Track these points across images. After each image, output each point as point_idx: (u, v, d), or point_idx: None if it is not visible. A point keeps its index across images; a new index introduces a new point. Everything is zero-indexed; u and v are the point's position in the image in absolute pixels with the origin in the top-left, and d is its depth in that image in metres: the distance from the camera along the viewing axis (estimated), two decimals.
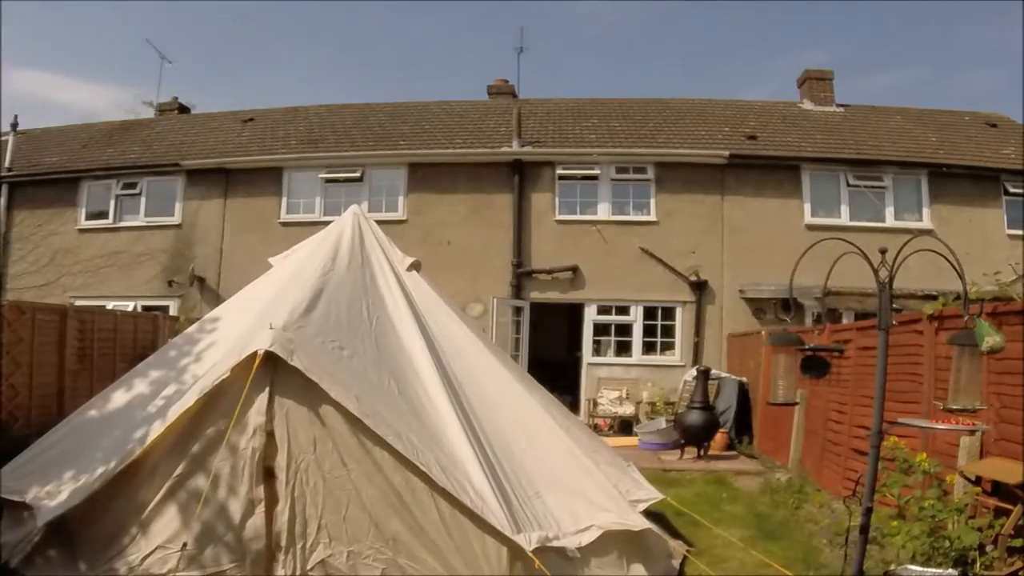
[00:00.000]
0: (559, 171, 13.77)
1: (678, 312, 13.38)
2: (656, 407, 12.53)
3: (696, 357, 12.93)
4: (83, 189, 15.09)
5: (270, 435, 4.01)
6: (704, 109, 16.10)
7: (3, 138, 15.27)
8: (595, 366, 13.46)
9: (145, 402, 4.63)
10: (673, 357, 13.32)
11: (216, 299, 13.02)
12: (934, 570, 3.68)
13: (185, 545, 3.83)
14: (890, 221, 13.17)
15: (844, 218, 13.24)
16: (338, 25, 47.72)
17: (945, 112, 16.34)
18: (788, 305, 10.33)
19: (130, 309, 13.63)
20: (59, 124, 18.28)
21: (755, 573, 4.95)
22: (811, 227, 12.92)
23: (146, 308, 13.87)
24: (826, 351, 3.39)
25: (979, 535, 4.16)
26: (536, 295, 13.58)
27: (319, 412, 4.07)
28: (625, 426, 12.45)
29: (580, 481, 4.65)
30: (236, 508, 3.92)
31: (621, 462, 5.79)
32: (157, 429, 4.06)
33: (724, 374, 11.66)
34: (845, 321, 11.04)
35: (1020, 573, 3.87)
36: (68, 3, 41.40)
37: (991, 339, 2.86)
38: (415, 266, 5.68)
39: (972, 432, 4.52)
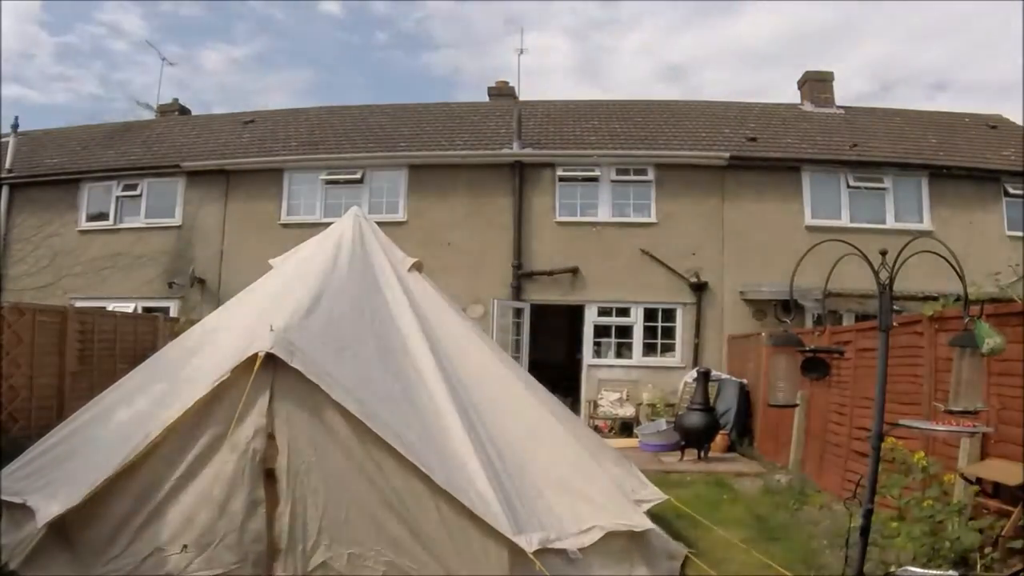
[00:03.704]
0: (559, 173, 13.77)
1: (678, 314, 13.38)
2: (656, 409, 12.51)
3: (696, 359, 12.93)
4: (83, 190, 15.09)
5: (271, 437, 4.01)
6: (704, 111, 16.12)
7: (4, 139, 15.28)
8: (595, 368, 13.45)
9: (146, 404, 4.62)
10: (673, 359, 13.31)
11: (216, 300, 13.01)
12: (934, 572, 3.68)
13: (185, 547, 3.82)
14: (890, 223, 13.16)
15: (844, 220, 13.23)
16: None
17: (945, 113, 16.36)
18: (788, 307, 10.33)
19: (131, 310, 13.61)
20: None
21: (755, 574, 4.95)
22: (811, 228, 12.92)
23: (147, 309, 13.86)
24: (826, 352, 3.39)
25: (979, 536, 4.16)
26: (536, 297, 13.57)
27: (320, 414, 4.07)
28: (625, 428, 12.45)
29: (582, 481, 4.64)
30: (237, 510, 3.91)
31: (625, 461, 5.78)
32: (158, 430, 4.06)
33: (724, 376, 11.65)
34: (845, 323, 11.06)
35: (1021, 574, 3.86)
36: None
37: (991, 340, 2.86)
38: (416, 267, 5.68)
39: (972, 434, 4.51)
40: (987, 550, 4.13)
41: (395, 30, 49.99)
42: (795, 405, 4.88)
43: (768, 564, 4.88)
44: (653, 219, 13.59)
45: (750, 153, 13.71)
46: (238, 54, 50.27)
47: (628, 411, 12.71)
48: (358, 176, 14.20)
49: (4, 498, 4.25)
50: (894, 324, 3.22)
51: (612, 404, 12.87)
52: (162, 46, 51.74)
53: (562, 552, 4.02)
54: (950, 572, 3.65)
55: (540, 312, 13.71)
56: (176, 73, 52.70)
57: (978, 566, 4.08)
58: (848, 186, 13.39)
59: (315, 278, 4.95)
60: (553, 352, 14.86)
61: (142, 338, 10.93)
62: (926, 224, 13.04)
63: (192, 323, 7.25)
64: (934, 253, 3.05)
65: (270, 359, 4.02)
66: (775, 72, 45.96)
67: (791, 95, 17.21)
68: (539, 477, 4.50)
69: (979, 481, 4.59)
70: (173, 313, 13.84)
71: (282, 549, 3.92)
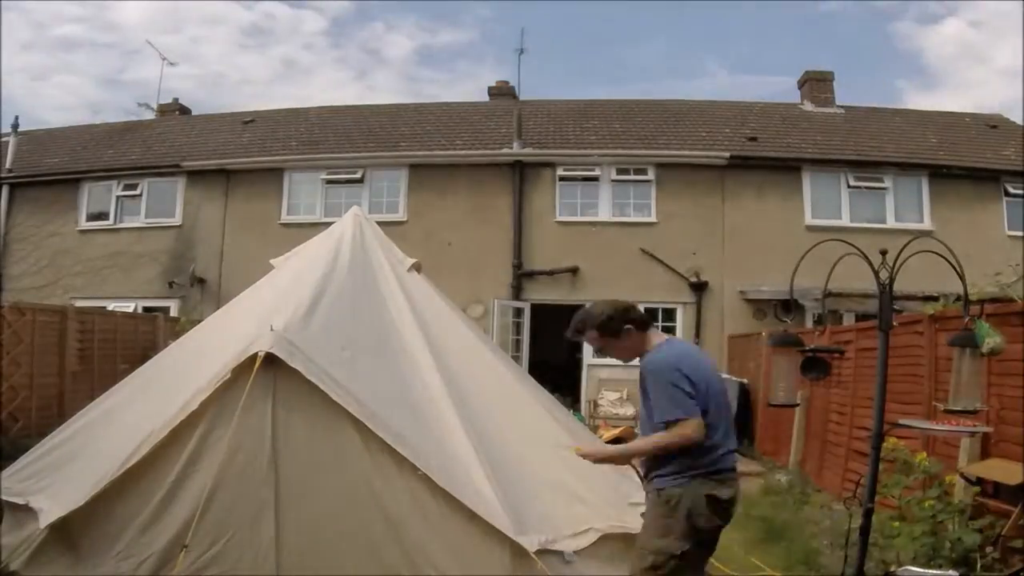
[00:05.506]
0: (559, 172, 13.78)
1: (679, 313, 13.38)
2: None
3: None
4: (84, 190, 15.10)
5: (271, 437, 4.01)
6: (704, 110, 16.11)
7: (4, 139, 15.29)
8: (596, 367, 13.43)
9: (147, 406, 4.63)
10: None
11: (217, 300, 13.02)
12: (935, 571, 3.67)
13: (185, 547, 3.82)
14: (891, 222, 13.16)
15: (845, 219, 13.23)
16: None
17: (946, 113, 16.38)
18: (788, 306, 10.34)
19: (131, 310, 13.62)
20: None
21: (755, 574, 4.95)
22: (811, 228, 12.91)
23: (147, 309, 13.86)
24: (826, 352, 3.39)
25: (980, 536, 4.16)
26: (537, 296, 13.58)
27: (320, 414, 4.06)
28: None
29: (580, 483, 4.63)
30: (238, 511, 3.91)
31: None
32: (159, 432, 4.06)
33: (724, 375, 11.65)
34: (846, 322, 11.04)
35: (1021, 574, 3.86)
36: None
37: (991, 340, 2.86)
38: (416, 267, 5.68)
39: (972, 434, 4.51)
40: (988, 550, 4.13)
41: None
42: (795, 405, 4.88)
43: (768, 565, 4.87)
44: (653, 219, 13.59)
45: (750, 153, 13.71)
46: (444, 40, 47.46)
47: (628, 411, 12.70)
48: (358, 176, 14.21)
49: (5, 498, 4.25)
50: (894, 324, 3.22)
51: (612, 404, 12.86)
52: (367, 23, 49.97)
53: (559, 554, 4.02)
54: (950, 572, 3.65)
55: (540, 312, 13.70)
56: (361, 59, 50.79)
57: (978, 566, 4.08)
58: (848, 186, 13.39)
59: (315, 278, 4.94)
60: (553, 352, 14.83)
61: (142, 338, 10.94)
62: (926, 224, 13.03)
63: (192, 323, 7.26)
64: (934, 253, 3.05)
65: (270, 359, 4.01)
66: None
67: None
68: (536, 478, 4.50)
69: (979, 481, 4.60)
70: (173, 313, 13.84)
71: (283, 549, 3.92)
